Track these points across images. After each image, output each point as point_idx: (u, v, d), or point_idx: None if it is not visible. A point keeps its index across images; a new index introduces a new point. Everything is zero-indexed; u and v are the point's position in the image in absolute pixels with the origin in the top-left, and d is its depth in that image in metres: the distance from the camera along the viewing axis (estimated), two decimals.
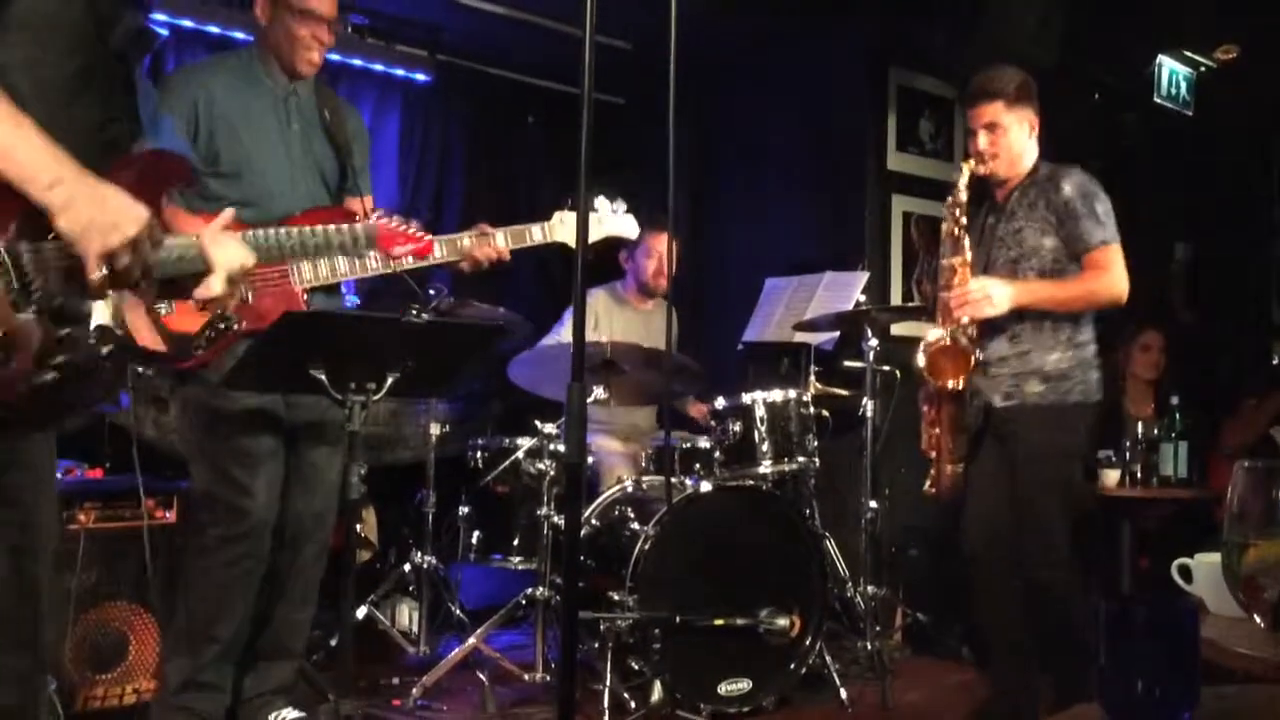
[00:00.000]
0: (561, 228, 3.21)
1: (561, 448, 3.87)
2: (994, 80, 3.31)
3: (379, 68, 5.34)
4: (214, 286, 1.92)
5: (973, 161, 3.29)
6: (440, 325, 3.24)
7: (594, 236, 3.33)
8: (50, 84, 1.62)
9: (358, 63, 5.23)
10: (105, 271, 1.55)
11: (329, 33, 3.17)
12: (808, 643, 3.62)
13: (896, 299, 5.21)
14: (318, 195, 3.16)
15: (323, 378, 2.64)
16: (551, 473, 3.83)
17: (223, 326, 2.35)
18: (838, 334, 4.51)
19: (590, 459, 4.34)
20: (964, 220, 3.27)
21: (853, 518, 4.28)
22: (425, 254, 2.92)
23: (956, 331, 3.18)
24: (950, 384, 3.19)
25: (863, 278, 4.64)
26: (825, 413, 4.12)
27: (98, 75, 1.71)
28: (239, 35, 4.72)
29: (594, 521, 3.84)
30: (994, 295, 3.13)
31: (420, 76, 5.44)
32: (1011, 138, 3.28)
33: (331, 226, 2.69)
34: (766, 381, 4.18)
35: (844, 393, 4.33)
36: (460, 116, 5.75)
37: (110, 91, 1.75)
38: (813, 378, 4.35)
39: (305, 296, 2.99)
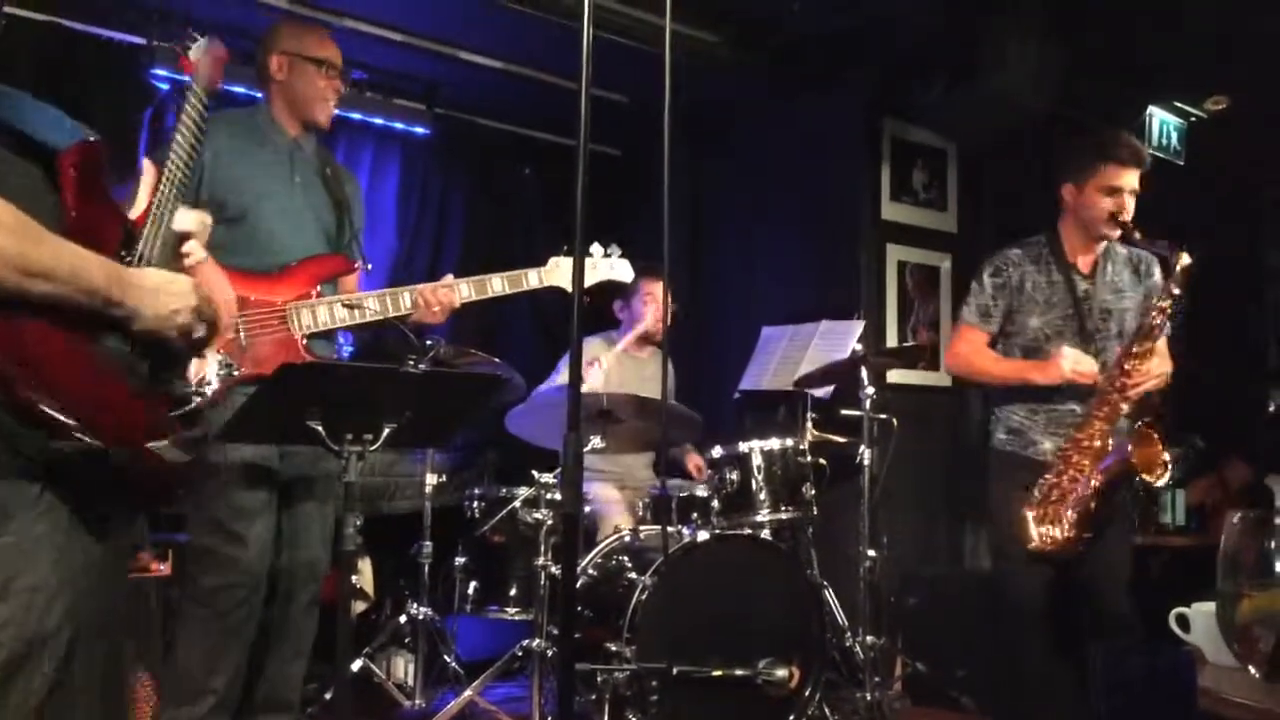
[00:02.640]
0: (557, 272, 3.26)
1: (558, 497, 3.86)
2: (1145, 152, 3.39)
3: (378, 121, 5.39)
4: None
5: (1183, 254, 3.23)
6: (438, 376, 3.25)
7: (590, 281, 3.37)
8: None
9: (357, 116, 5.28)
10: (193, 348, 1.71)
11: (343, 84, 3.25)
12: (807, 694, 3.59)
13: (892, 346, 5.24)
14: (318, 245, 3.21)
15: (320, 429, 2.64)
16: (549, 522, 3.82)
17: (223, 374, 2.36)
18: (833, 385, 4.52)
19: (587, 508, 4.33)
20: (1170, 312, 3.30)
21: (851, 566, 4.26)
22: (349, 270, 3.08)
23: (1143, 419, 3.29)
24: (1160, 472, 3.20)
25: (858, 326, 4.66)
26: (822, 461, 4.12)
27: None
28: (239, 89, 4.78)
29: (591, 571, 3.82)
30: (1163, 375, 3.35)
31: (419, 129, 5.49)
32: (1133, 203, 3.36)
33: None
34: (763, 430, 4.18)
35: (841, 440, 4.33)
36: (458, 169, 5.80)
37: None
38: (810, 426, 4.35)
39: (304, 343, 3.01)
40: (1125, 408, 3.29)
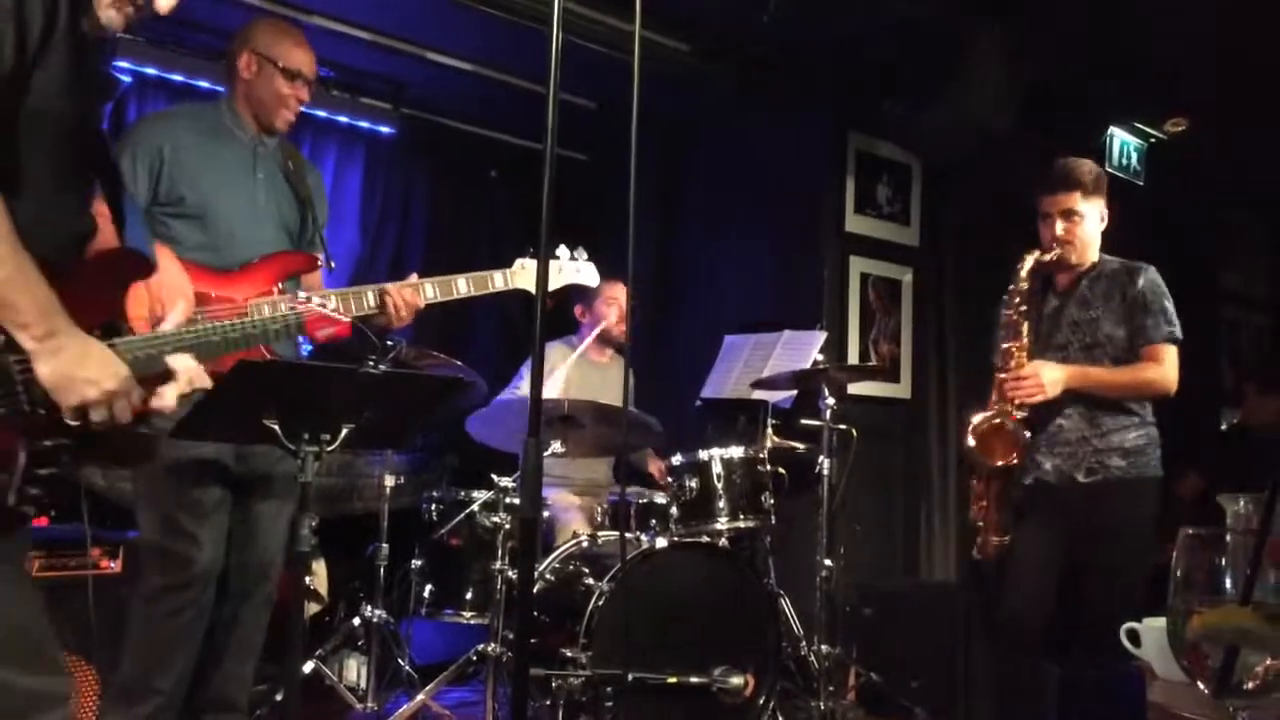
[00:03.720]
0: (523, 274, 3.24)
1: (517, 501, 3.84)
2: (1075, 169, 3.45)
3: (343, 119, 5.36)
4: (168, 398, 1.86)
5: (1039, 252, 3.43)
6: (398, 377, 3.22)
7: (555, 284, 3.36)
8: (40, 182, 1.69)
9: (322, 114, 5.24)
10: (77, 421, 1.68)
11: (309, 92, 3.21)
12: (761, 702, 3.60)
13: (854, 358, 5.27)
14: (279, 241, 3.17)
15: (276, 428, 2.61)
16: (506, 526, 3.80)
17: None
18: (795, 392, 4.53)
19: (546, 513, 4.31)
20: (1024, 307, 3.42)
21: (808, 576, 4.27)
22: (344, 335, 2.98)
23: (1005, 412, 3.34)
24: (1000, 462, 3.33)
25: (820, 337, 4.68)
26: (782, 470, 4.13)
27: (80, 162, 1.78)
28: (203, 84, 4.73)
29: (548, 576, 3.81)
30: (1046, 380, 3.29)
31: (384, 129, 5.47)
32: (1086, 226, 3.44)
33: (269, 316, 2.73)
34: (724, 438, 4.19)
35: (801, 449, 4.35)
36: (423, 169, 5.77)
37: (87, 176, 1.81)
38: (770, 435, 4.35)
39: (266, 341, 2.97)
40: (1016, 414, 3.33)
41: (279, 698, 3.74)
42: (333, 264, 3.30)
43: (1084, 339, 3.43)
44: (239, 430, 2.73)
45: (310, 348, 4.31)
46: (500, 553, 3.77)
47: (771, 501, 3.95)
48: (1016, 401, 3.32)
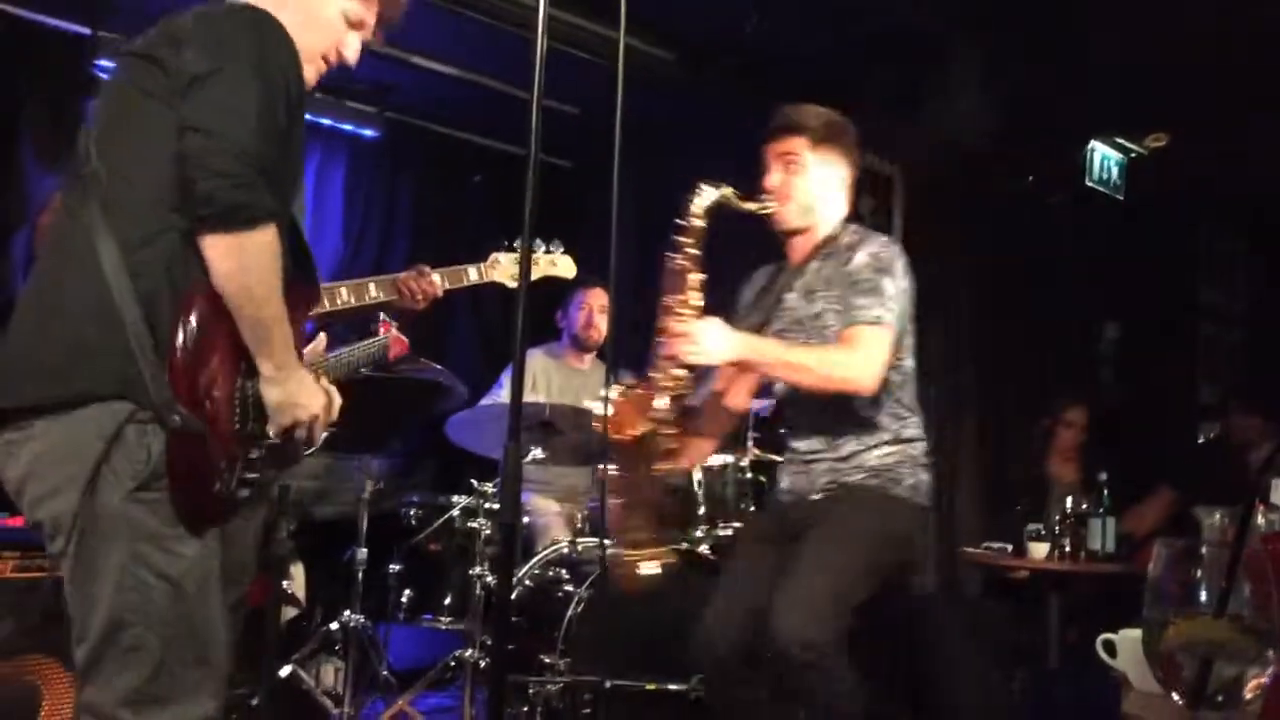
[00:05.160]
0: (498, 268, 3.25)
1: (496, 506, 3.83)
2: (799, 111, 2.91)
3: (326, 122, 5.34)
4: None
5: (729, 190, 2.80)
6: (379, 380, 3.22)
7: (532, 276, 3.35)
8: (281, 226, 1.92)
9: (306, 116, 5.22)
10: (282, 438, 1.97)
11: None
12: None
13: None
14: None
15: None
16: (486, 531, 3.80)
17: None
18: (774, 401, 4.53)
19: (525, 519, 4.30)
20: (695, 253, 2.75)
21: None
22: (404, 352, 3.07)
23: (660, 377, 2.66)
24: (629, 433, 2.62)
25: None
26: (763, 479, 4.13)
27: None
28: None
29: (527, 582, 3.80)
30: (706, 342, 2.60)
31: (368, 132, 5.45)
32: (809, 180, 2.84)
33: (362, 344, 2.90)
34: None
35: (781, 459, 4.34)
36: (407, 173, 5.76)
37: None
38: (750, 443, 4.36)
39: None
40: (667, 380, 2.65)
41: (255, 702, 3.72)
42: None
43: (806, 338, 2.80)
44: None
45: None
46: (479, 558, 3.76)
47: (753, 509, 3.96)
48: (671, 364, 2.65)
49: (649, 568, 2.63)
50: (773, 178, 2.86)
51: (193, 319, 1.83)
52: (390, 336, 2.96)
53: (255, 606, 3.15)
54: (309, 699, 4.04)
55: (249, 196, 1.79)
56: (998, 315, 5.87)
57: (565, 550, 3.89)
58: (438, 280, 3.09)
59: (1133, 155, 5.84)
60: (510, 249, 3.25)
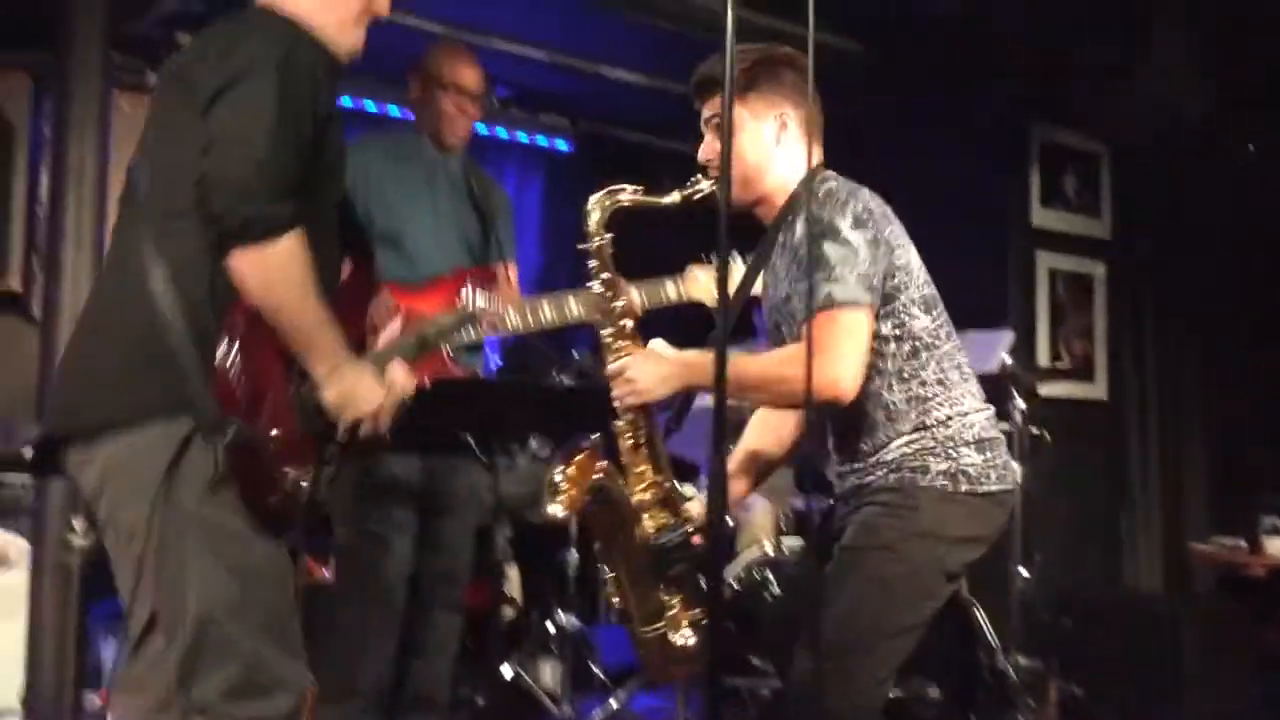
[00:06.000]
0: (696, 284, 3.20)
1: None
2: (716, 64, 2.21)
3: (522, 137, 5.51)
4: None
5: (633, 190, 2.48)
6: (583, 389, 3.29)
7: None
8: (322, 231, 1.99)
9: (503, 134, 5.40)
10: (349, 431, 2.01)
11: (476, 106, 3.31)
12: (957, 715, 3.50)
13: (1044, 358, 5.09)
14: (461, 259, 3.29)
15: (470, 441, 2.72)
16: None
17: None
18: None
19: (729, 519, 4.31)
20: (607, 275, 2.47)
21: (1002, 584, 4.14)
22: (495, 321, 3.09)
23: (618, 425, 2.35)
24: (577, 505, 2.31)
25: (1007, 337, 4.52)
26: None
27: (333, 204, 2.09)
28: (394, 110, 4.95)
29: (734, 585, 3.80)
30: (641, 378, 2.27)
31: (561, 145, 5.59)
32: (741, 141, 2.32)
33: (436, 320, 2.76)
34: None
35: None
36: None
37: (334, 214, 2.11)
38: None
39: (450, 355, 3.09)
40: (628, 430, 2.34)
41: (481, 701, 3.87)
42: (513, 276, 3.35)
43: (791, 330, 2.34)
44: (434, 443, 2.85)
45: (499, 359, 4.47)
46: None
47: (1017, 480, 3.84)
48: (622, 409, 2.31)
49: (682, 635, 2.35)
50: (703, 149, 2.40)
51: (235, 333, 1.87)
52: (474, 308, 2.87)
53: (474, 608, 3.29)
54: (530, 698, 4.18)
55: (264, 210, 1.81)
56: (1222, 291, 5.50)
57: (770, 551, 3.87)
58: (637, 299, 3.11)
59: None
60: (707, 261, 3.21)
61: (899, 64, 5.01)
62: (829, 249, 2.15)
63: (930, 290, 2.35)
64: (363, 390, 1.99)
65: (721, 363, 1.74)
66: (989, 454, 2.25)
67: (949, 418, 2.24)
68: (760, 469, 2.58)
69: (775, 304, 2.40)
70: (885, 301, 2.23)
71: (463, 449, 2.72)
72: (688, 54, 4.70)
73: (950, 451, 2.21)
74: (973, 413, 2.27)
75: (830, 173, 2.34)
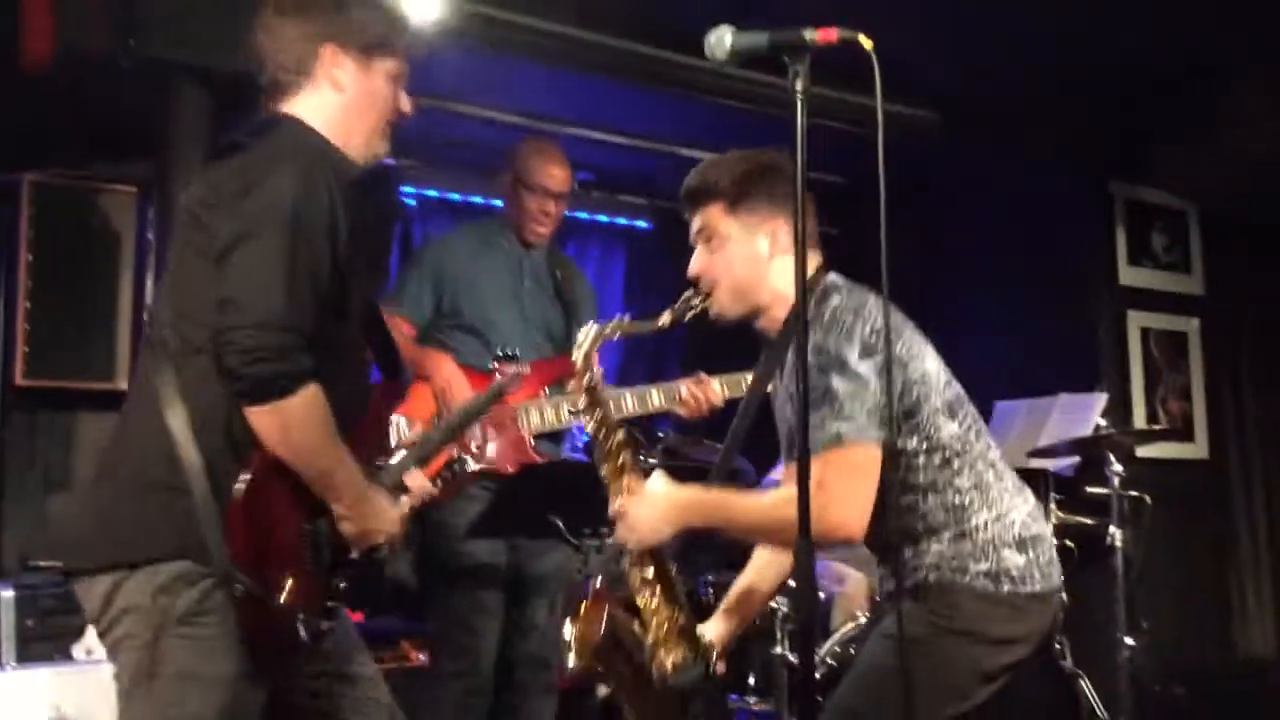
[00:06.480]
0: None
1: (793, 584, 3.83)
2: (704, 174, 2.29)
3: (602, 218, 5.62)
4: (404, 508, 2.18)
5: (623, 319, 2.34)
6: (670, 469, 3.31)
7: None
8: (346, 360, 2.05)
9: (583, 216, 5.52)
10: (363, 557, 2.07)
11: (560, 206, 3.40)
12: None
13: (1140, 419, 4.98)
14: (545, 348, 3.37)
15: (560, 523, 2.75)
16: (784, 609, 3.79)
17: (456, 469, 2.52)
18: (1077, 459, 4.32)
19: (822, 593, 4.27)
20: (601, 411, 2.31)
21: (1108, 654, 4.02)
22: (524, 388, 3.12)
23: (634, 571, 2.29)
24: (590, 656, 2.23)
25: (1101, 399, 4.45)
26: (1069, 543, 3.93)
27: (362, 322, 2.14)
28: (478, 200, 5.10)
29: (829, 661, 3.75)
30: (638, 525, 2.19)
31: (641, 223, 5.69)
32: (733, 253, 2.25)
33: (465, 404, 2.89)
34: None
35: (1089, 521, 4.12)
36: (681, 258, 5.92)
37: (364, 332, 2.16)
38: (1053, 506, 4.16)
39: (533, 443, 3.16)
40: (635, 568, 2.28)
41: None
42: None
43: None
44: (526, 527, 2.90)
45: (586, 437, 4.52)
46: (779, 636, 3.76)
47: (1061, 577, 3.76)
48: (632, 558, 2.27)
49: None
50: (693, 263, 2.31)
51: (252, 484, 1.87)
52: (504, 383, 2.80)
53: (565, 689, 3.30)
54: None
55: (277, 368, 1.81)
56: None
57: (865, 625, 3.82)
58: (718, 389, 3.17)
59: None
60: None
61: (974, 129, 5.02)
62: (837, 383, 2.05)
63: (953, 391, 2.27)
64: (379, 522, 2.04)
65: (805, 425, 1.74)
66: (1032, 553, 2.18)
67: (987, 522, 2.17)
68: (757, 605, 2.54)
69: (785, 419, 2.31)
70: (908, 417, 2.15)
71: (550, 531, 2.76)
72: (758, 129, 4.79)
73: (991, 553, 2.15)
74: (1012, 511, 2.21)
75: (831, 279, 2.27)
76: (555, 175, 3.39)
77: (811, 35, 1.77)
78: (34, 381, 4.03)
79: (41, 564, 4.04)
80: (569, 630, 2.25)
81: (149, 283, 3.77)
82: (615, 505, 2.23)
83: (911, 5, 3.86)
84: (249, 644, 1.88)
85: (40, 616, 3.67)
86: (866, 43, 1.77)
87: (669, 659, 2.24)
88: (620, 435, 2.30)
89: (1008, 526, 2.18)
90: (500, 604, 3.20)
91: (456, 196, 5.15)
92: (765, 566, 2.51)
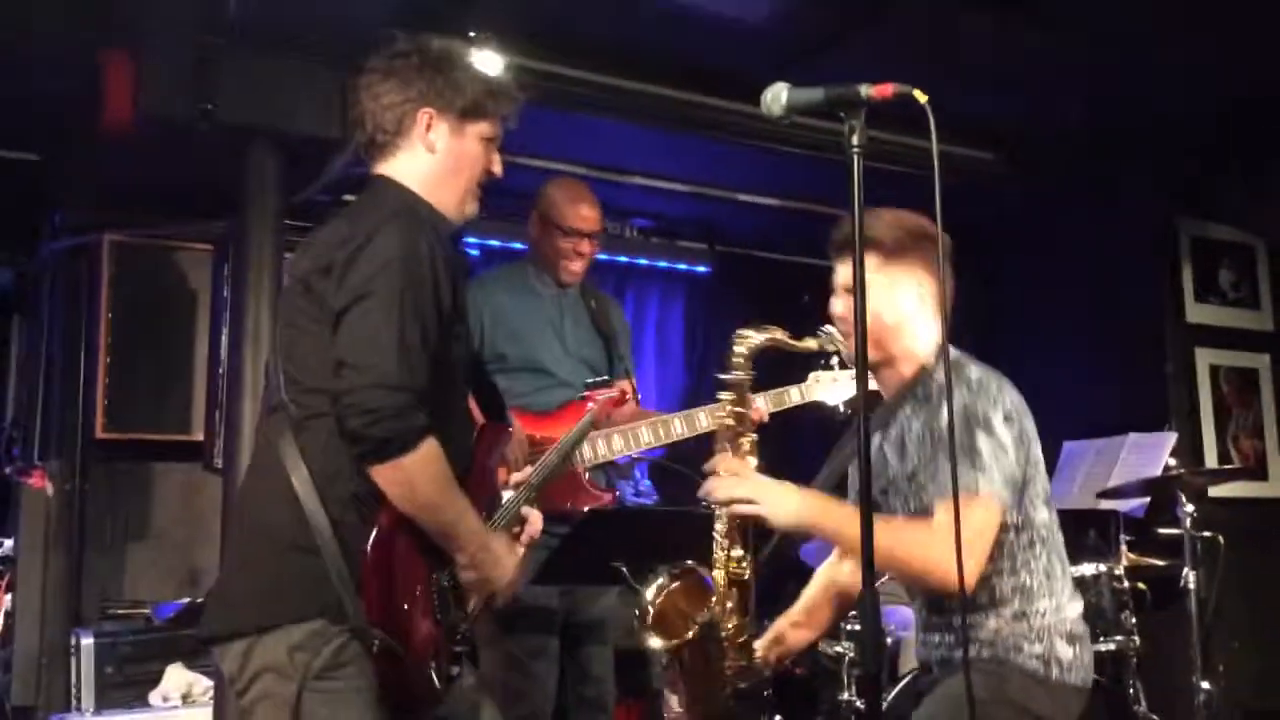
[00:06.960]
0: (818, 386, 3.31)
1: (858, 628, 3.80)
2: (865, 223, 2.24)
3: (663, 264, 5.68)
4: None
5: (780, 332, 2.44)
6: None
7: (840, 396, 3.36)
8: (455, 411, 2.12)
9: (643, 262, 5.58)
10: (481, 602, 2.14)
11: (592, 245, 3.40)
12: None
13: (1211, 458, 4.89)
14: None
15: (624, 569, 2.77)
16: (850, 654, 3.76)
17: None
18: (1147, 500, 4.25)
19: (889, 638, 4.23)
20: (740, 410, 2.39)
21: (1184, 700, 3.93)
22: (621, 402, 3.23)
23: (716, 556, 2.33)
24: (679, 638, 2.33)
25: (1170, 438, 4.38)
26: (1141, 585, 3.86)
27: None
28: (517, 245, 5.18)
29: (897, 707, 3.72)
30: (768, 497, 2.18)
31: (700, 268, 5.74)
32: (882, 301, 2.31)
33: (567, 435, 3.03)
34: (1073, 553, 3.93)
35: (1161, 563, 4.05)
36: (740, 301, 5.96)
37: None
38: (1124, 548, 4.09)
39: (587, 476, 3.17)
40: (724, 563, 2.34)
41: None
42: (632, 393, 3.40)
43: (906, 504, 2.32)
44: (589, 573, 2.92)
45: (649, 482, 4.55)
46: (845, 681, 3.73)
47: (1134, 620, 3.69)
48: (727, 540, 2.31)
49: None
50: (835, 303, 2.41)
51: (381, 541, 1.94)
52: (596, 410, 3.08)
53: None
54: None
55: (396, 426, 1.87)
56: None
57: (909, 681, 3.78)
58: (762, 405, 3.18)
59: None
60: (828, 367, 3.31)
61: (1039, 168, 5.01)
62: (981, 440, 2.17)
63: (1047, 483, 2.37)
64: (499, 569, 2.09)
65: (865, 464, 1.77)
66: (1077, 649, 2.28)
67: (1047, 610, 2.27)
68: (838, 605, 2.69)
69: (893, 475, 2.36)
70: (1013, 495, 2.23)
71: (609, 577, 2.78)
72: (817, 174, 4.83)
73: (1045, 639, 2.25)
74: (1068, 607, 2.31)
75: (963, 354, 2.34)
76: (586, 216, 3.36)
77: (867, 91, 1.79)
78: (113, 434, 4.17)
79: (120, 611, 4.16)
80: (653, 598, 2.38)
81: (224, 338, 3.88)
82: (731, 461, 2.29)
83: (982, 51, 3.86)
84: (386, 695, 1.93)
85: (119, 664, 3.77)
86: (921, 97, 1.78)
87: (731, 662, 2.38)
88: (753, 438, 2.39)
89: (1063, 620, 2.28)
90: (556, 649, 3.21)
91: (519, 245, 5.22)
92: (819, 602, 2.69)
